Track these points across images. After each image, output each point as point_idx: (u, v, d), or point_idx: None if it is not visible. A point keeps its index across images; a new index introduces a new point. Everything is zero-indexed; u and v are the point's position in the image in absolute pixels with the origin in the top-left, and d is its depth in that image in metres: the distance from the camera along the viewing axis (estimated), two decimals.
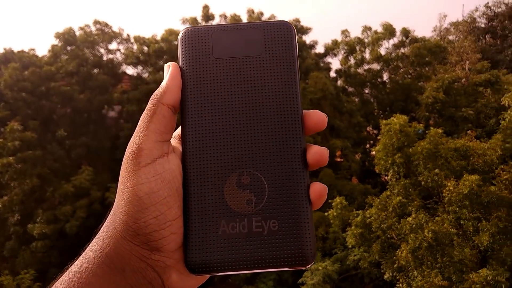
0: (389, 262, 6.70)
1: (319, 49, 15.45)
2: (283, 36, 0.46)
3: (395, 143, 7.11)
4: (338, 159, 13.11)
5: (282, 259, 0.40)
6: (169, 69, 0.45)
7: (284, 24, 0.47)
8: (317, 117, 0.44)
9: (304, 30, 14.30)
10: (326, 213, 8.10)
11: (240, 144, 0.43)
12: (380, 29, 14.30)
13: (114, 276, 0.39)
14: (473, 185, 5.89)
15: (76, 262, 0.40)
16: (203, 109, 0.44)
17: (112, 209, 0.42)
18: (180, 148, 0.44)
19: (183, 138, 0.44)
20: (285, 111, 0.44)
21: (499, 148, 7.29)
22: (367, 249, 7.35)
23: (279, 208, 0.41)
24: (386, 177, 8.29)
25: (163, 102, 0.43)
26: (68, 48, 12.78)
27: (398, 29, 14.20)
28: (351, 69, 14.61)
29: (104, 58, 13.47)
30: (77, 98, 11.85)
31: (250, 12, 14.35)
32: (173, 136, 0.46)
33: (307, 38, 14.60)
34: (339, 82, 14.98)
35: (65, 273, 0.39)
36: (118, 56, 13.87)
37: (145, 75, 13.94)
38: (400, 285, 6.15)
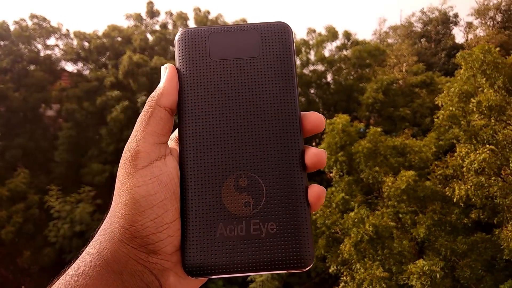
0: (333, 256, 6.95)
1: None
2: (280, 37, 0.46)
3: (338, 142, 7.40)
4: None
5: (280, 261, 0.40)
6: (166, 71, 0.44)
7: (281, 25, 0.46)
8: (315, 119, 0.44)
9: None
10: None
11: (237, 146, 0.43)
12: (324, 32, 14.78)
13: (111, 279, 0.38)
14: (410, 180, 6.27)
15: (73, 265, 0.39)
16: (201, 111, 0.43)
17: (109, 211, 0.42)
18: (177, 150, 0.44)
19: (180, 140, 0.44)
20: (283, 113, 0.43)
21: (433, 145, 7.85)
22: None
23: (277, 210, 0.41)
24: (331, 174, 8.60)
25: (160, 104, 0.42)
26: (1, 43, 11.93)
27: (340, 32, 14.76)
28: (297, 69, 14.91)
29: (42, 54, 12.76)
30: (11, 97, 11.12)
31: (197, 10, 14.21)
32: (170, 138, 0.46)
33: None
34: None
35: (62, 276, 0.39)
36: (57, 52, 13.21)
37: (86, 72, 13.35)
38: (344, 277, 6.40)
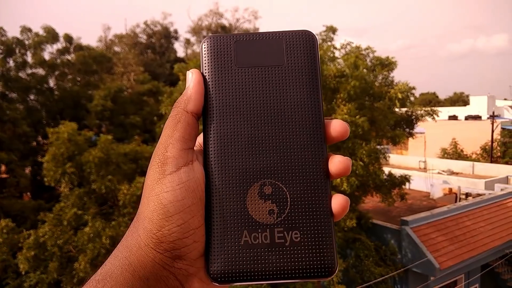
0: (68, 277, 6.40)
1: None
2: (304, 45, 0.45)
3: (64, 153, 6.85)
4: (3, 175, 11.35)
5: (304, 269, 0.40)
6: (192, 76, 0.44)
7: (306, 34, 0.46)
8: (339, 127, 0.44)
9: None
10: None
11: (261, 154, 0.43)
12: (41, 32, 13.34)
13: (137, 285, 0.38)
14: None
15: (99, 270, 0.39)
16: (225, 118, 0.43)
17: (136, 216, 0.41)
18: (202, 156, 0.44)
19: (205, 146, 0.44)
20: (308, 121, 0.43)
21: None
22: (44, 270, 6.74)
23: (302, 219, 0.41)
24: (60, 189, 7.86)
25: (187, 110, 0.43)
26: None
27: (61, 34, 13.70)
28: (11, 72, 12.89)
29: None
30: None
31: None
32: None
33: None
34: None
35: (88, 281, 0.38)
36: None
37: None
38: None
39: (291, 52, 0.45)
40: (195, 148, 0.45)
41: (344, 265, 7.68)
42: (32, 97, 13.65)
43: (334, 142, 0.45)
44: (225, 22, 24.81)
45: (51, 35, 13.25)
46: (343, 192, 7.08)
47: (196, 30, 24.28)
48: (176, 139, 0.42)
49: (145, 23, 24.10)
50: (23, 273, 6.83)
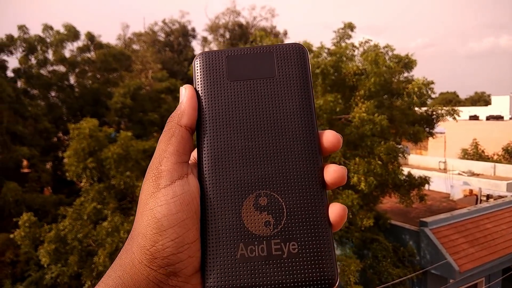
0: (88, 270, 6.51)
1: None
2: (295, 57, 0.46)
3: (86, 148, 6.96)
4: (25, 170, 11.61)
5: (303, 282, 0.39)
6: (185, 91, 0.45)
7: (296, 46, 0.47)
8: (332, 137, 0.44)
9: None
10: (12, 235, 7.01)
11: (256, 165, 0.42)
12: (62, 30, 13.58)
13: None
14: None
15: None
16: (219, 130, 0.43)
17: (130, 233, 0.41)
18: (196, 169, 0.44)
19: (199, 160, 0.43)
20: (301, 132, 0.43)
21: None
22: (64, 263, 6.88)
23: (299, 229, 0.40)
24: (81, 184, 8.00)
25: (181, 124, 0.43)
26: None
27: (82, 32, 13.93)
28: (33, 69, 13.18)
29: None
30: None
31: None
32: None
33: None
34: (19, 84, 13.22)
35: None
36: None
37: None
38: None
39: (282, 64, 0.46)
40: (190, 162, 0.45)
41: (361, 265, 7.60)
42: (53, 93, 13.93)
43: (328, 154, 0.45)
44: (242, 20, 24.84)
45: (72, 33, 13.49)
46: (360, 191, 7.01)
47: (213, 29, 24.37)
48: (170, 153, 0.42)
49: (163, 21, 24.33)
50: (45, 265, 6.99)
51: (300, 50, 0.47)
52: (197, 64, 0.47)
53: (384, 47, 9.44)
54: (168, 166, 0.41)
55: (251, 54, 0.47)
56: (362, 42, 9.52)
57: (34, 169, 11.22)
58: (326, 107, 7.15)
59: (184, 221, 0.39)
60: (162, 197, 0.39)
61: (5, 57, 12.99)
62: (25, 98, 12.11)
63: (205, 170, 0.43)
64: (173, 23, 24.44)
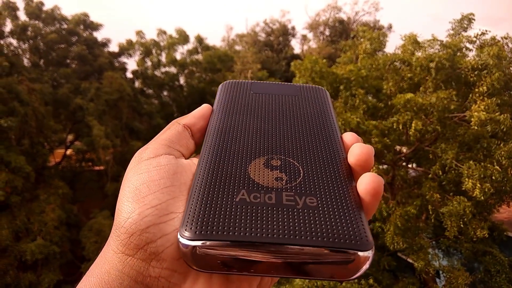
0: None
1: (113, 47, 14.82)
2: (318, 95, 0.48)
3: None
4: None
5: (325, 233, 0.28)
6: (199, 108, 0.44)
7: (318, 88, 0.49)
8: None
9: (94, 26, 13.43)
10: None
11: (268, 138, 0.39)
12: (174, 34, 14.75)
13: None
14: None
15: None
16: (229, 115, 0.43)
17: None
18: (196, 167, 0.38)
19: (204, 140, 0.39)
20: (322, 126, 0.42)
21: None
22: None
23: (318, 186, 0.33)
24: None
25: (179, 122, 0.41)
26: None
27: (191, 35, 14.97)
28: (148, 71, 14.56)
29: None
30: None
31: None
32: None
33: (98, 35, 13.76)
34: (137, 84, 14.73)
35: None
36: None
37: None
38: None
39: (304, 97, 0.47)
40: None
41: (471, 279, 6.90)
42: (165, 93, 15.24)
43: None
44: (343, 16, 24.27)
45: (183, 37, 14.57)
46: (474, 198, 6.36)
47: (313, 26, 24.23)
48: (160, 138, 0.38)
49: (265, 21, 24.91)
50: None
51: (322, 91, 0.49)
52: (221, 87, 0.49)
53: (503, 38, 8.40)
54: (155, 145, 0.36)
55: (276, 84, 0.49)
56: (477, 34, 8.60)
57: None
58: (439, 104, 6.61)
59: (169, 188, 0.32)
60: (143, 166, 0.33)
61: (125, 60, 14.61)
62: (141, 97, 13.41)
63: (208, 141, 0.38)
64: (274, 22, 24.88)
